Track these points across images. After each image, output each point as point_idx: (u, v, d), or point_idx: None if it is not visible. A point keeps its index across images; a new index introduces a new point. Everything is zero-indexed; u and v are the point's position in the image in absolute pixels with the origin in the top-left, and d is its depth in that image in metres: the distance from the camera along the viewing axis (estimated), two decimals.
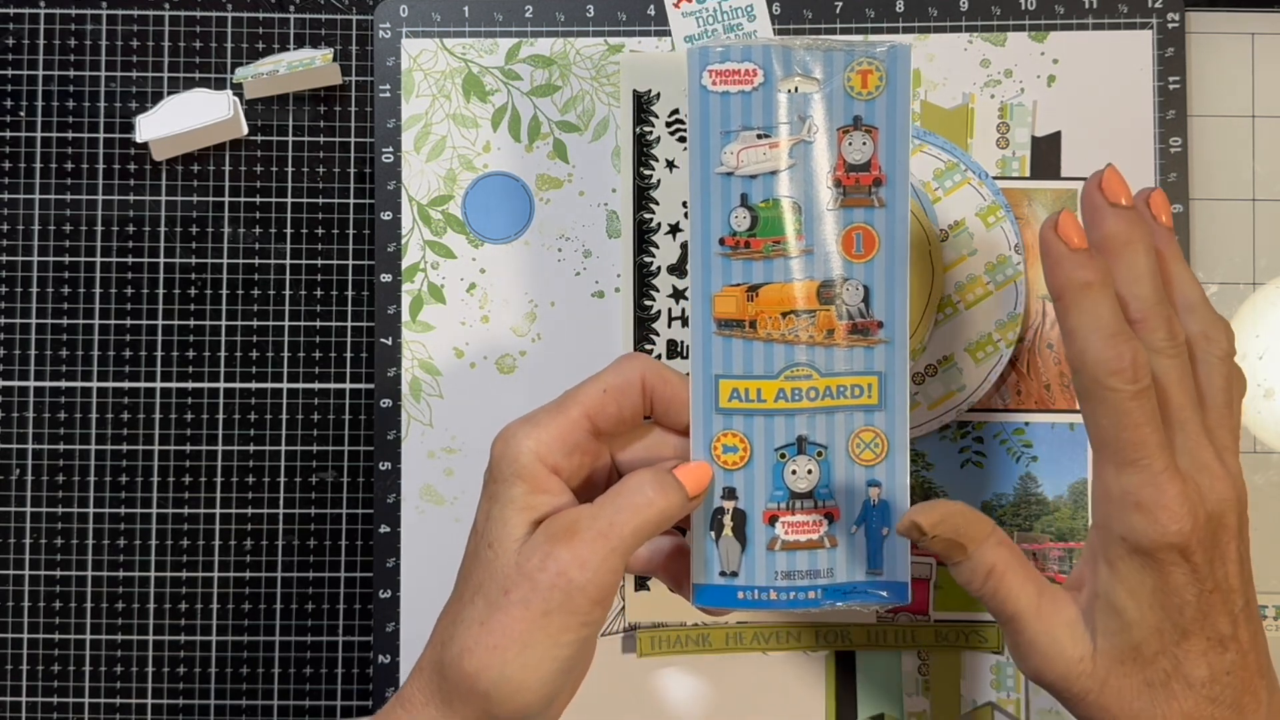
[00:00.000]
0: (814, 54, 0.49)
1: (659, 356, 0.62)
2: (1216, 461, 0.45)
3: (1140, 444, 0.44)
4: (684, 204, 0.62)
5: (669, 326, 0.62)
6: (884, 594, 0.50)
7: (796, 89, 0.50)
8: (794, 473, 0.50)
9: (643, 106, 0.63)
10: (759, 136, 0.50)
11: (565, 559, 0.45)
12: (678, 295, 0.62)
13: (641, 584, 0.62)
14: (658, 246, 0.62)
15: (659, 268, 0.62)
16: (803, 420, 0.50)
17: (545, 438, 0.47)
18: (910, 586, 0.50)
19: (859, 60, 0.49)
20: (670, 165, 0.62)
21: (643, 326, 0.62)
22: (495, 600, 0.45)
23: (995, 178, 0.63)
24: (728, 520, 0.50)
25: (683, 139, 0.62)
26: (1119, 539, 0.45)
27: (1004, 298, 0.62)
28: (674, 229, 0.62)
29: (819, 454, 0.50)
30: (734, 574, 0.50)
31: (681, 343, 0.62)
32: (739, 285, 0.50)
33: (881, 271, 0.50)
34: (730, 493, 0.50)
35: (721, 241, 0.50)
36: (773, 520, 0.50)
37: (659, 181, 0.62)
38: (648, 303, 0.62)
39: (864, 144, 0.50)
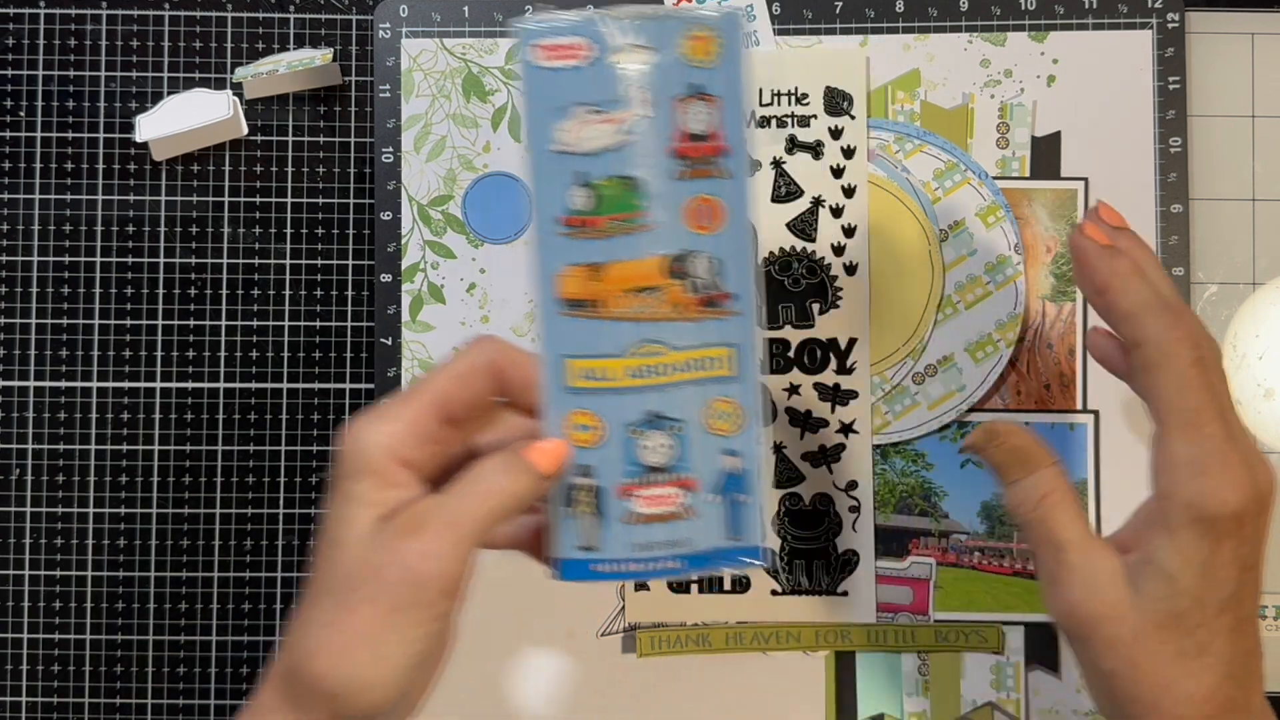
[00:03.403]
0: (644, 23, 0.48)
1: None
2: (1255, 447, 0.46)
3: (1203, 409, 0.45)
4: None
5: None
6: (743, 559, 0.50)
7: (631, 61, 0.49)
8: (647, 447, 0.50)
9: None
10: (595, 112, 0.49)
11: (413, 552, 0.44)
12: None
13: (641, 584, 0.62)
14: None
15: None
16: (656, 395, 0.50)
17: (393, 430, 0.46)
18: (767, 550, 0.50)
19: (692, 28, 0.48)
20: None
21: None
22: (342, 600, 0.45)
23: (995, 178, 0.63)
24: (583, 497, 0.50)
25: None
26: (1183, 505, 0.45)
27: (1004, 298, 0.62)
28: None
29: (675, 428, 0.50)
30: (592, 548, 0.50)
31: None
32: (583, 264, 0.49)
33: (729, 242, 0.49)
34: (585, 470, 0.49)
35: (562, 220, 0.49)
36: (629, 494, 0.50)
37: None
38: None
39: (705, 114, 0.49)
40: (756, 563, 0.50)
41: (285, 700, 0.45)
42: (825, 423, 0.62)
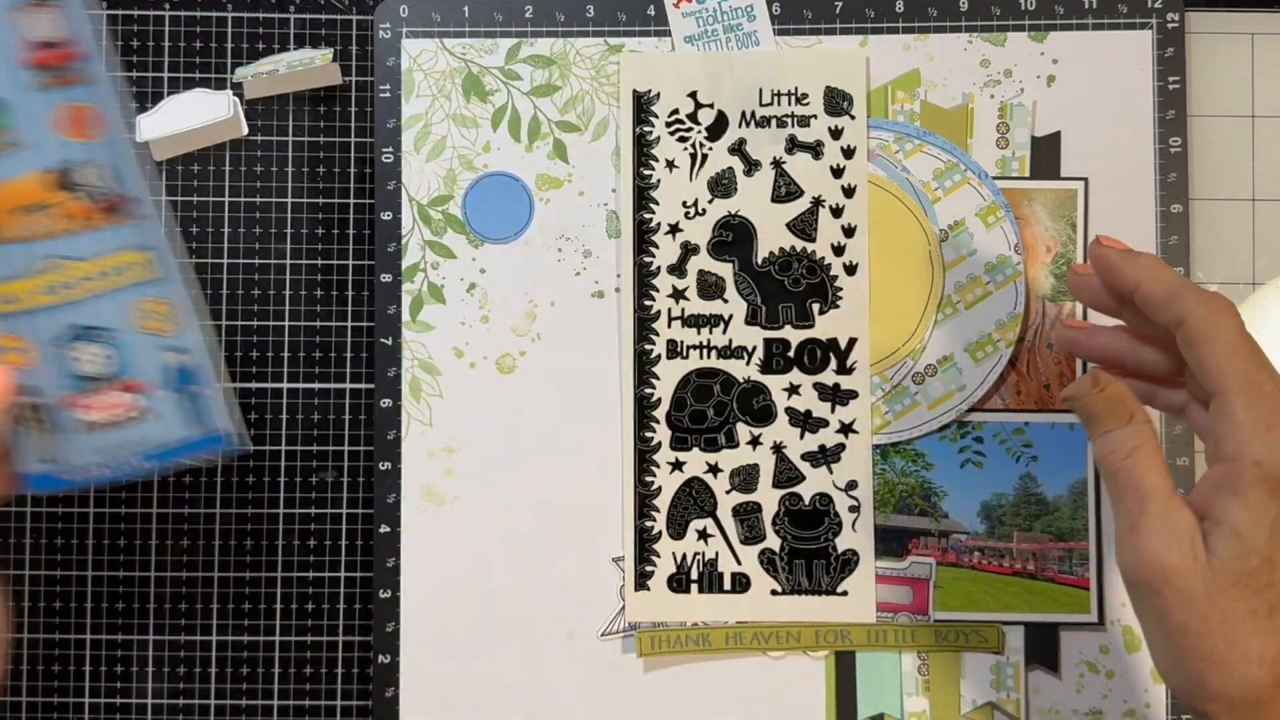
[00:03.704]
0: None
1: (658, 356, 0.62)
2: None
3: (1257, 370, 0.47)
4: (684, 203, 0.62)
5: (669, 326, 0.62)
6: (208, 446, 0.52)
7: None
8: (80, 359, 0.50)
9: (642, 106, 0.63)
10: None
11: None
12: (678, 295, 0.62)
13: (641, 584, 0.62)
14: (657, 246, 0.62)
15: (659, 268, 0.62)
16: (76, 308, 0.49)
17: None
18: (231, 435, 0.52)
19: None
20: (670, 165, 0.62)
21: (643, 326, 0.62)
22: None
23: (995, 178, 0.63)
24: (33, 415, 0.50)
25: (683, 139, 0.62)
26: (1252, 464, 0.46)
27: (1004, 298, 0.62)
28: (674, 229, 0.62)
29: (105, 336, 0.50)
30: (54, 460, 0.51)
31: (682, 342, 0.62)
32: None
33: (113, 148, 0.49)
34: (28, 390, 0.50)
35: None
36: (75, 406, 0.50)
37: (659, 181, 0.62)
38: (648, 303, 0.62)
39: (52, 20, 0.48)
40: (222, 449, 0.52)
41: None
42: (825, 423, 0.62)
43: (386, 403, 0.63)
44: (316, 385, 0.64)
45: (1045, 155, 0.63)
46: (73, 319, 0.49)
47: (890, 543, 0.63)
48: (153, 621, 0.63)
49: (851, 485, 0.62)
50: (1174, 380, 0.52)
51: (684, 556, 0.62)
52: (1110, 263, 0.50)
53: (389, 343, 0.63)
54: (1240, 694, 0.46)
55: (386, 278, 0.63)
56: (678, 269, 0.62)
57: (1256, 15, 0.64)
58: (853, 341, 0.62)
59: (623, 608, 0.62)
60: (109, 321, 0.50)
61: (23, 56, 0.48)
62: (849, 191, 0.62)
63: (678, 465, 0.62)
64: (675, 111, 0.63)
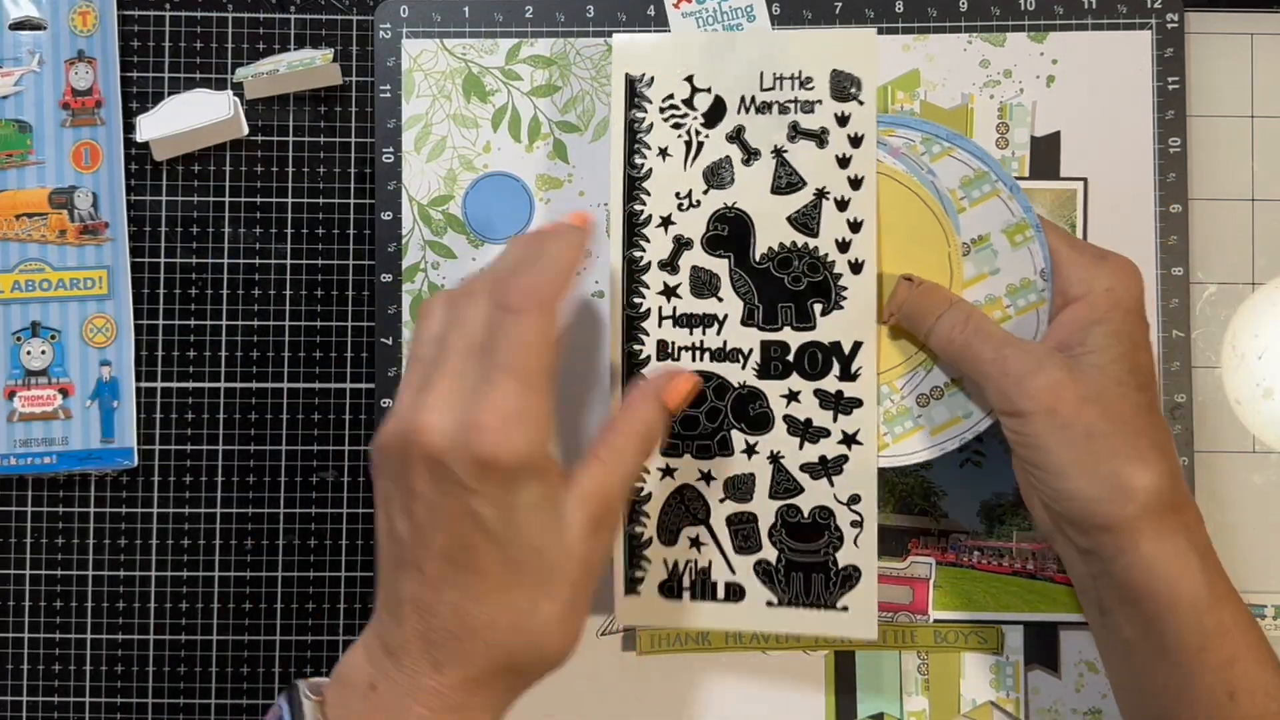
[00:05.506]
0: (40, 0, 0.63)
1: (648, 357, 0.59)
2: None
3: (1060, 233, 0.57)
4: (677, 195, 0.59)
5: (659, 326, 0.59)
6: (117, 459, 0.62)
7: (29, 26, 0.63)
8: (29, 353, 0.61)
9: (635, 91, 0.60)
10: None
11: None
12: (669, 292, 0.59)
13: (632, 589, 0.60)
14: (648, 240, 0.60)
15: (649, 263, 0.59)
16: (37, 307, 0.61)
17: None
18: (135, 450, 0.62)
19: (78, 5, 0.62)
20: (663, 154, 0.60)
21: (631, 326, 0.60)
22: None
23: None
24: None
25: (677, 125, 0.60)
26: (1104, 292, 0.53)
27: (1023, 324, 0.57)
28: (666, 221, 0.60)
29: (52, 337, 0.61)
30: None
31: (673, 343, 0.60)
32: None
33: (105, 180, 0.62)
34: None
35: None
36: (11, 395, 0.61)
37: (650, 171, 0.60)
38: (637, 300, 0.59)
39: (86, 73, 0.62)
40: (128, 463, 0.62)
41: None
42: (826, 432, 0.59)
43: (387, 403, 0.63)
44: (316, 385, 0.64)
45: (1045, 155, 0.63)
46: (33, 316, 0.61)
47: (890, 542, 0.62)
48: (153, 621, 0.64)
49: (854, 499, 0.58)
50: None
51: (675, 563, 0.60)
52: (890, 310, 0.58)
53: (389, 343, 0.63)
54: (1156, 485, 0.50)
55: (386, 278, 0.63)
56: (669, 265, 0.59)
57: (1256, 15, 0.64)
58: (857, 346, 0.58)
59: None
60: (60, 324, 0.61)
61: (62, 99, 0.62)
62: (856, 183, 0.59)
63: (668, 471, 0.59)
64: (670, 96, 0.60)
